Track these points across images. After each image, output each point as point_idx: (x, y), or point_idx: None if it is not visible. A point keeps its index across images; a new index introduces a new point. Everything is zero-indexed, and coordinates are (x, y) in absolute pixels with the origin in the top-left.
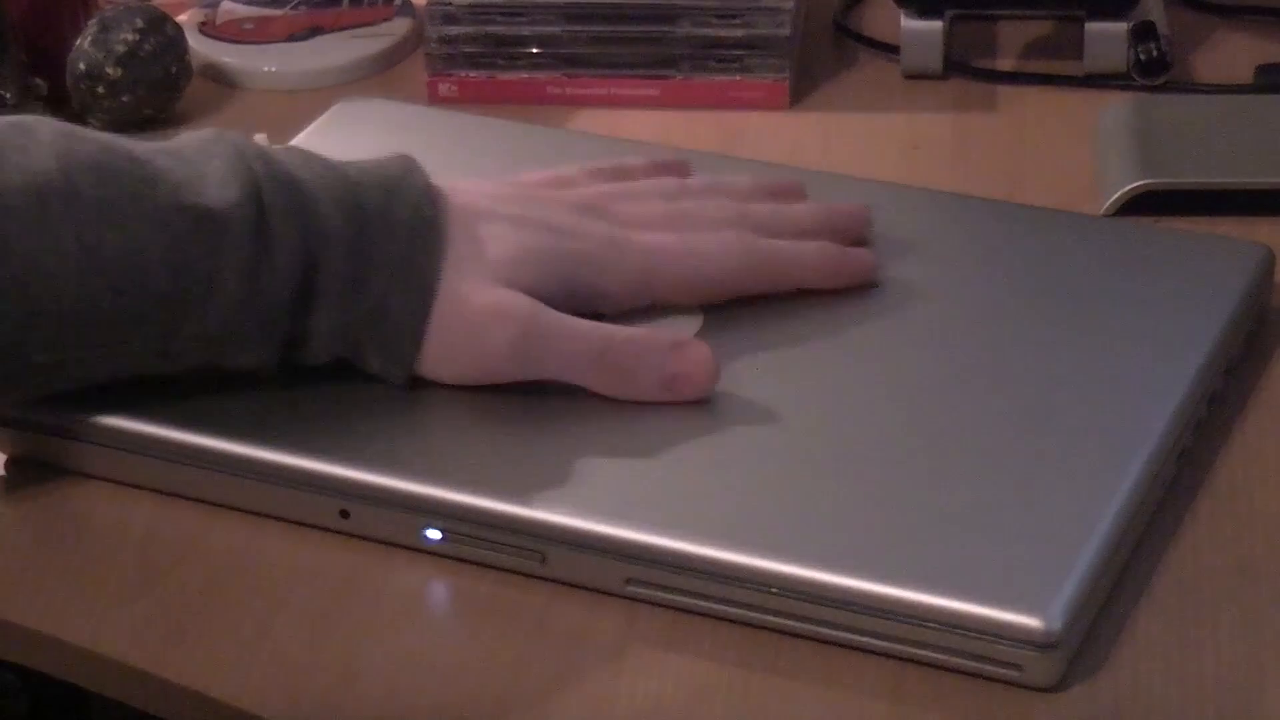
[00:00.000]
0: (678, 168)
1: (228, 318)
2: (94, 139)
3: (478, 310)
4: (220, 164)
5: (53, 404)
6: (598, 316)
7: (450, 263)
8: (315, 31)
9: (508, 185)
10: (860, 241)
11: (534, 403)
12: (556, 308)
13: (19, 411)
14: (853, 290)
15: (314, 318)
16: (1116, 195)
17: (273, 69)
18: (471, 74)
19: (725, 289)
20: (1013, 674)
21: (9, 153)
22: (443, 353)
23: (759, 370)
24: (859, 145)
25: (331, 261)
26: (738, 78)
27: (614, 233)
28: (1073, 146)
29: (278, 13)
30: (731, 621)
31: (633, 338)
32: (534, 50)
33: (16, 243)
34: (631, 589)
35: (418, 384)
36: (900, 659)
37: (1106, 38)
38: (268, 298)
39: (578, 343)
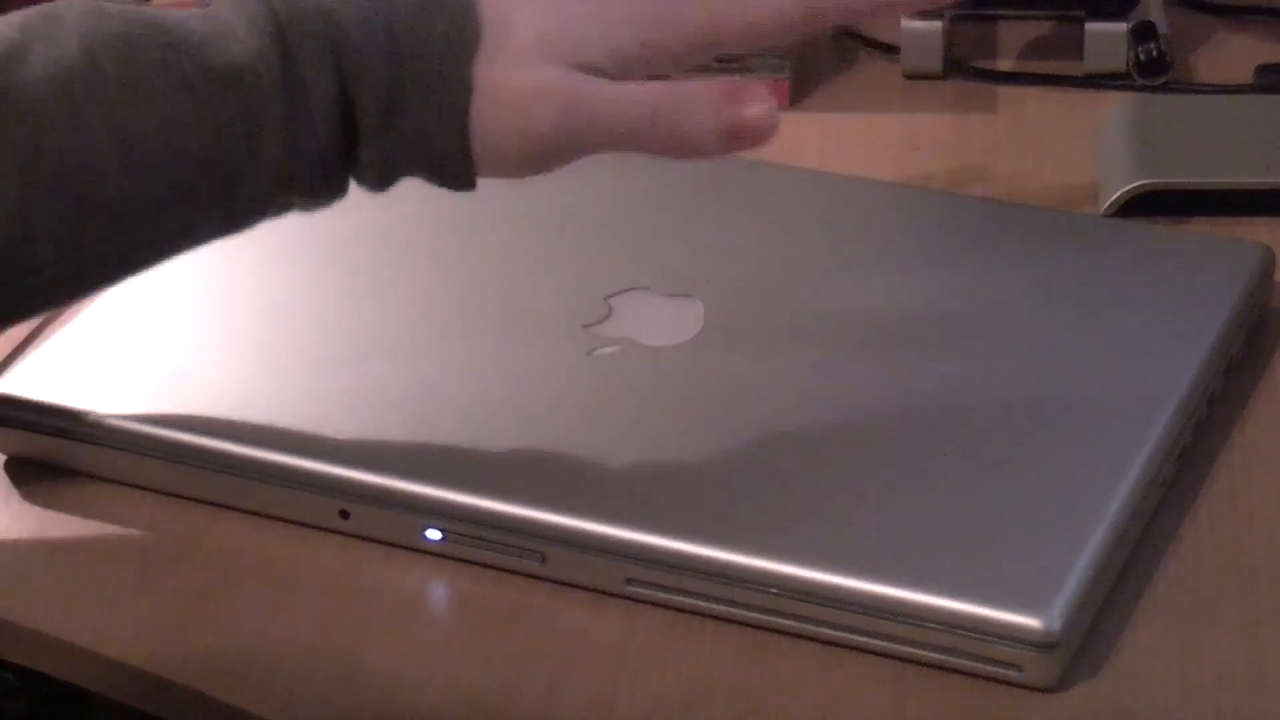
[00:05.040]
0: None
1: (278, 172)
2: (120, 13)
3: (517, 95)
4: (246, 12)
5: (53, 404)
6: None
7: (484, 57)
8: None
9: None
10: None
11: (534, 403)
12: (610, 79)
13: (20, 411)
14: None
15: (359, 151)
16: (1116, 195)
17: None
18: None
19: (792, 26)
20: (1013, 674)
21: (36, 44)
22: (494, 151)
23: (759, 370)
24: (859, 145)
25: (364, 95)
26: (737, 78)
27: None
28: (1073, 146)
29: None
30: (731, 621)
31: (683, 91)
32: None
33: (48, 139)
34: (631, 589)
35: (417, 384)
36: (900, 659)
37: (1106, 38)
38: (312, 146)
39: (626, 108)
